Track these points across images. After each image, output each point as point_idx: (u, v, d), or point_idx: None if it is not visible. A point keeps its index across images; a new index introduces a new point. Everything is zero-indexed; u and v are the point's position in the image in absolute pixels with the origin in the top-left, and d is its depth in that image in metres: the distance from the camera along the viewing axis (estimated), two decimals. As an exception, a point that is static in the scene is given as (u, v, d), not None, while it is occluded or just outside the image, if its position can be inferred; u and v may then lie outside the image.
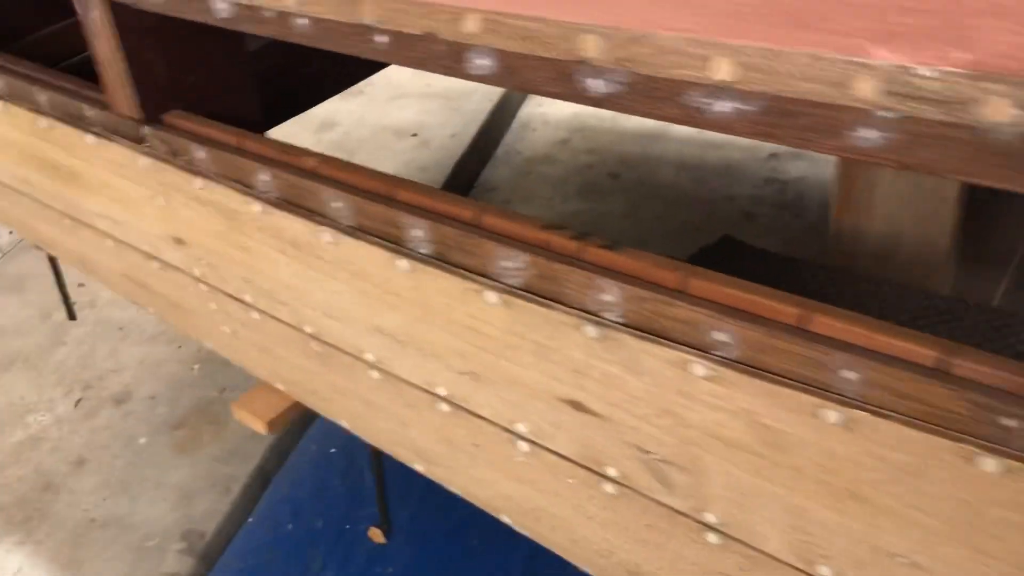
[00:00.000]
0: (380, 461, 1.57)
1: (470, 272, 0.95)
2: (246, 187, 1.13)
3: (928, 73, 0.59)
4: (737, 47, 0.67)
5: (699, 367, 0.81)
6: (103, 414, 2.58)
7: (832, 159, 3.39)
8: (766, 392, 0.78)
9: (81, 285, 3.07)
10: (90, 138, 1.29)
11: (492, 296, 0.94)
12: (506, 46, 0.79)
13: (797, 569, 0.87)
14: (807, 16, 0.65)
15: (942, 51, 0.59)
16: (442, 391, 1.11)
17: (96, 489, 2.34)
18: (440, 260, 0.97)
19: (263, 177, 1.10)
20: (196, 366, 2.72)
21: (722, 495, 0.89)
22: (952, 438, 0.69)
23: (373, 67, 2.29)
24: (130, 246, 1.44)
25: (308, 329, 1.22)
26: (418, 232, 0.98)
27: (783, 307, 0.78)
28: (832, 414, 0.75)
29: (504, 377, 1.01)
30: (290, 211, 1.09)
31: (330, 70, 2.04)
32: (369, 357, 1.17)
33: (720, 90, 0.69)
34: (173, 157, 1.20)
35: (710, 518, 0.91)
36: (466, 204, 0.97)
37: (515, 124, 3.91)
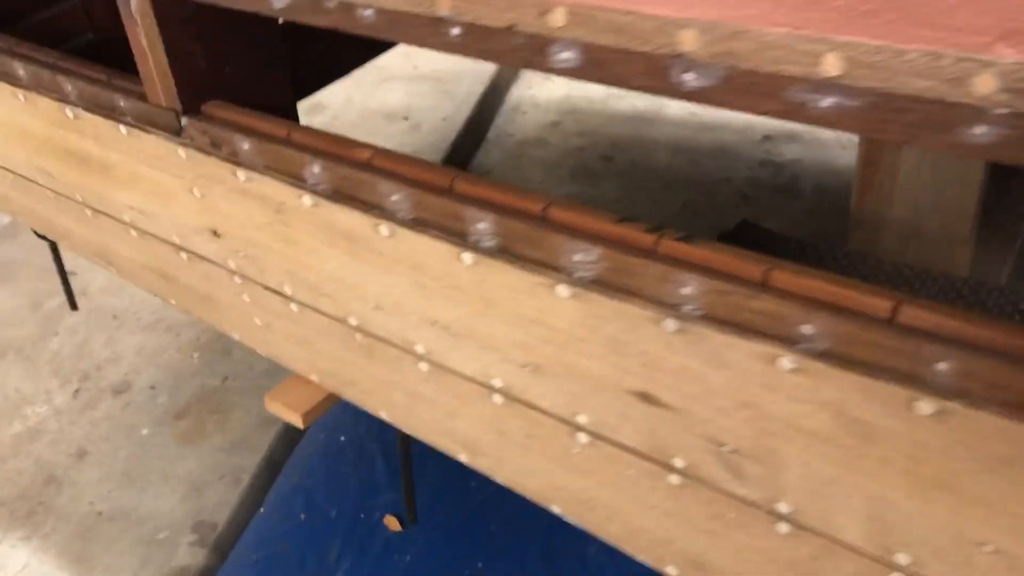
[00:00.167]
0: (408, 449, 1.57)
1: (539, 266, 0.94)
2: (295, 179, 1.11)
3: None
4: (850, 43, 0.66)
5: (786, 360, 0.81)
6: (102, 405, 2.54)
7: (826, 143, 3.43)
8: (857, 385, 0.79)
9: (72, 274, 3.01)
10: (123, 128, 1.26)
11: (564, 290, 0.93)
12: (595, 39, 0.79)
13: (873, 557, 0.88)
14: (924, 13, 0.65)
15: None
16: (498, 383, 1.10)
17: (100, 482, 2.31)
18: (507, 254, 0.97)
19: (314, 169, 1.08)
20: (196, 354, 2.69)
21: (798, 485, 0.89)
22: (1052, 429, 0.70)
23: (371, 54, 2.26)
24: (157, 238, 1.42)
25: (353, 321, 1.21)
26: (483, 226, 0.97)
27: (874, 300, 0.78)
28: (925, 406, 0.76)
29: (569, 369, 1.00)
30: (344, 204, 1.07)
31: (328, 56, 2.02)
32: (419, 349, 1.16)
33: (826, 86, 0.69)
34: (214, 149, 1.18)
35: (783, 508, 0.92)
36: (533, 196, 0.96)
37: (505, 107, 3.89)
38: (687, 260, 0.86)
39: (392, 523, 2.06)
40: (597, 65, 0.80)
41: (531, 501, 2.10)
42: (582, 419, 1.04)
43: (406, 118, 3.71)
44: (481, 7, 0.83)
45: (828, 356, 0.80)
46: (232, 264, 1.32)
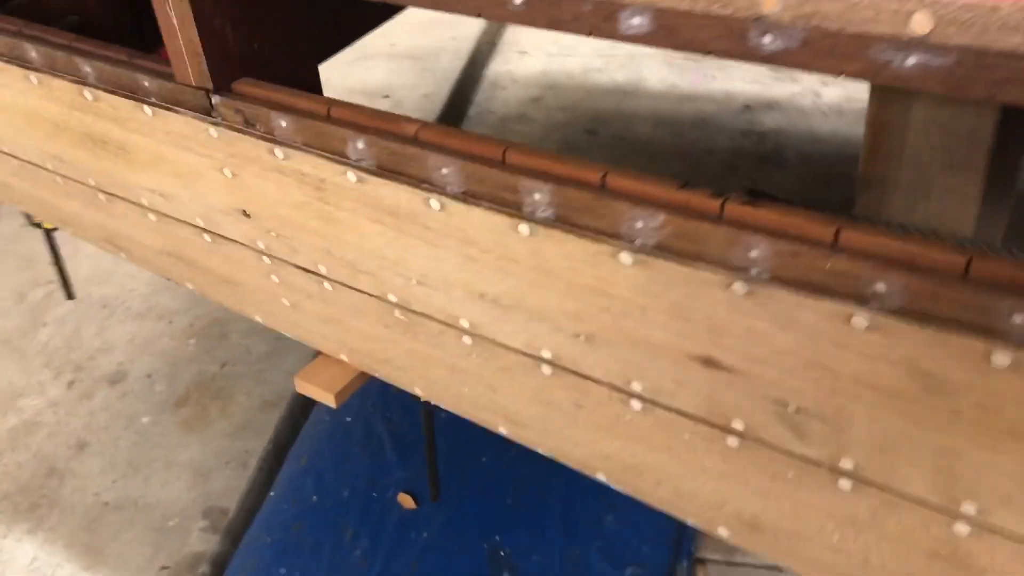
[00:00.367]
0: (432, 423, 1.57)
1: (600, 234, 0.95)
2: (338, 156, 1.10)
3: None
4: (940, 1, 0.67)
5: (859, 319, 0.83)
6: (99, 395, 2.51)
7: (806, 111, 3.46)
8: (931, 340, 0.80)
9: (53, 264, 2.95)
10: (147, 109, 1.24)
11: (626, 257, 0.93)
12: (668, 4, 0.79)
13: (937, 508, 0.90)
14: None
15: None
16: (547, 354, 1.11)
17: (103, 472, 2.28)
18: (565, 223, 0.97)
19: (358, 145, 1.07)
20: (191, 341, 2.65)
21: (863, 441, 0.91)
22: None
23: (368, 26, 2.24)
24: (178, 220, 1.40)
25: (392, 298, 1.21)
26: (539, 196, 0.97)
27: (947, 256, 0.80)
28: (1001, 357, 0.78)
29: (626, 337, 1.01)
30: (391, 179, 1.06)
31: (324, 30, 2.00)
32: (463, 323, 1.16)
33: (912, 45, 0.70)
34: (248, 127, 1.16)
35: (846, 465, 0.94)
36: (590, 165, 0.96)
37: (484, 83, 3.87)
38: (754, 223, 0.87)
39: (407, 501, 2.06)
40: (669, 31, 0.80)
41: (545, 472, 2.12)
42: (636, 386, 1.05)
43: (387, 96, 3.68)
44: (547, -25, 0.83)
45: (902, 313, 0.81)
46: (261, 244, 1.30)
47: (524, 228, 0.99)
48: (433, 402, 1.35)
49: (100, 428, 2.41)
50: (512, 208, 1.00)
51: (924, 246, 0.81)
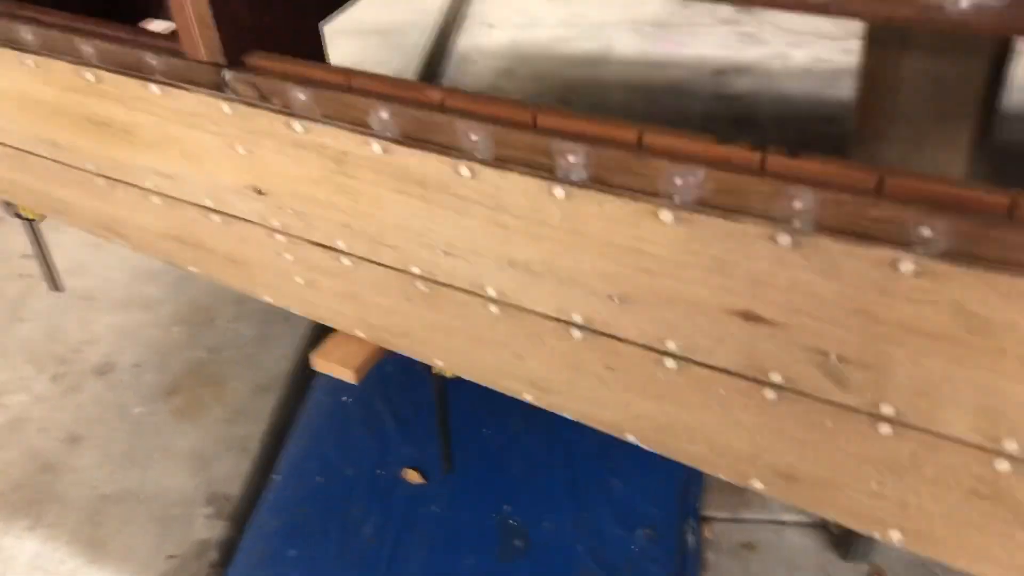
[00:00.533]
0: (444, 396, 1.56)
1: (638, 192, 0.95)
2: (360, 127, 1.08)
3: None
4: (996, -57, 0.68)
5: (907, 264, 0.84)
6: (87, 388, 2.47)
7: (775, 74, 3.48)
8: (979, 281, 0.82)
9: (28, 257, 2.88)
10: (154, 87, 1.21)
11: (666, 215, 0.94)
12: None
13: (979, 448, 0.92)
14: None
15: None
16: (578, 318, 1.11)
17: (99, 464, 2.25)
18: (601, 184, 0.97)
19: (382, 115, 1.06)
20: (176, 329, 2.62)
21: (905, 386, 0.93)
22: None
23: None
24: (184, 202, 1.37)
25: (416, 270, 1.20)
26: (573, 158, 0.97)
27: (991, 197, 0.81)
28: (1048, 295, 0.80)
29: (662, 296, 1.02)
30: (418, 148, 1.05)
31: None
32: (491, 292, 1.16)
33: (966, -12, 0.71)
34: (263, 101, 1.14)
35: (886, 410, 0.96)
36: (623, 125, 0.96)
37: (454, 57, 3.84)
38: (797, 174, 0.88)
39: (413, 476, 2.06)
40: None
41: (549, 440, 2.13)
42: (671, 345, 1.06)
43: (356, 74, 3.64)
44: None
45: (949, 256, 0.83)
46: (275, 222, 1.29)
47: (559, 191, 0.99)
48: (454, 373, 1.35)
49: (91, 421, 2.37)
50: (545, 171, 1.00)
51: (969, 188, 0.82)
